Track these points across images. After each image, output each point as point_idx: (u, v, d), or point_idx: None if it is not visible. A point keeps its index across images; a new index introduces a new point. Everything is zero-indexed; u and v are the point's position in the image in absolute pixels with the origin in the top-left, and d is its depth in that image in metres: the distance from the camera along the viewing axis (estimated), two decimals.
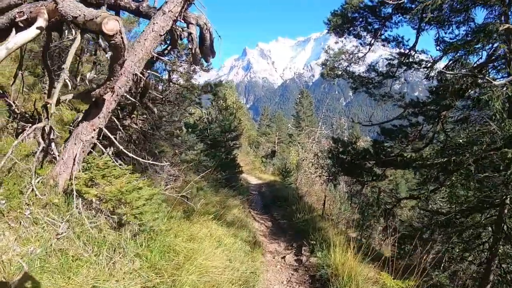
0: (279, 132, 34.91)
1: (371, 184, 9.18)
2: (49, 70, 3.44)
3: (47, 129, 3.54)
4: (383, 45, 8.77)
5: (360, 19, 8.71)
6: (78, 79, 7.84)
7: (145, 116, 6.97)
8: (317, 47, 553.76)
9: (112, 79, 3.11)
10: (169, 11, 3.40)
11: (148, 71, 5.12)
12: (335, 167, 10.04)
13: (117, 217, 3.85)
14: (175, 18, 3.47)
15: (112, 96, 3.52)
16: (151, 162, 4.11)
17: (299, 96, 36.62)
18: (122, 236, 3.77)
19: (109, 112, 3.62)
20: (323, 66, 9.20)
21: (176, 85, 7.58)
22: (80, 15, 2.89)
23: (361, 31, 8.87)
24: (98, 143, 3.91)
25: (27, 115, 3.92)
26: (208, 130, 12.56)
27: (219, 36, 3.93)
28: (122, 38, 2.78)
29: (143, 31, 3.45)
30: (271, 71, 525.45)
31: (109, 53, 3.72)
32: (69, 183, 3.60)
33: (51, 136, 3.77)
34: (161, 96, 7.00)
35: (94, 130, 3.61)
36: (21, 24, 3.18)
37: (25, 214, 3.16)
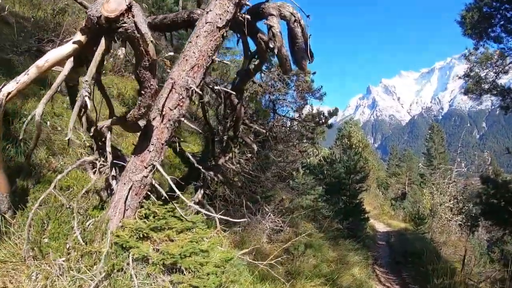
0: (409, 172, 29.63)
1: None
2: (104, 93, 2.66)
3: (99, 163, 2.71)
4: None
5: (498, 16, 6.57)
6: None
7: (249, 155, 5.88)
8: (443, 77, 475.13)
9: (143, 92, 1.97)
10: None
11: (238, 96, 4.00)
12: (484, 214, 7.91)
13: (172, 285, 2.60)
14: (237, 0, 2.17)
15: (162, 122, 2.41)
16: (225, 218, 2.75)
17: (429, 131, 31.30)
18: None
19: (162, 143, 2.51)
20: (466, 79, 6.70)
21: (283, 117, 6.29)
22: (102, 13, 1.94)
23: (501, 32, 6.68)
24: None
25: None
26: (325, 171, 10.69)
27: (307, 16, 2.39)
28: (134, 22, 1.61)
29: (195, 26, 2.28)
30: (397, 108, 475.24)
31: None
32: (116, 231, 2.62)
33: (113, 173, 2.94)
34: (264, 131, 5.81)
35: (146, 167, 2.55)
36: None
37: (58, 261, 2.31)
